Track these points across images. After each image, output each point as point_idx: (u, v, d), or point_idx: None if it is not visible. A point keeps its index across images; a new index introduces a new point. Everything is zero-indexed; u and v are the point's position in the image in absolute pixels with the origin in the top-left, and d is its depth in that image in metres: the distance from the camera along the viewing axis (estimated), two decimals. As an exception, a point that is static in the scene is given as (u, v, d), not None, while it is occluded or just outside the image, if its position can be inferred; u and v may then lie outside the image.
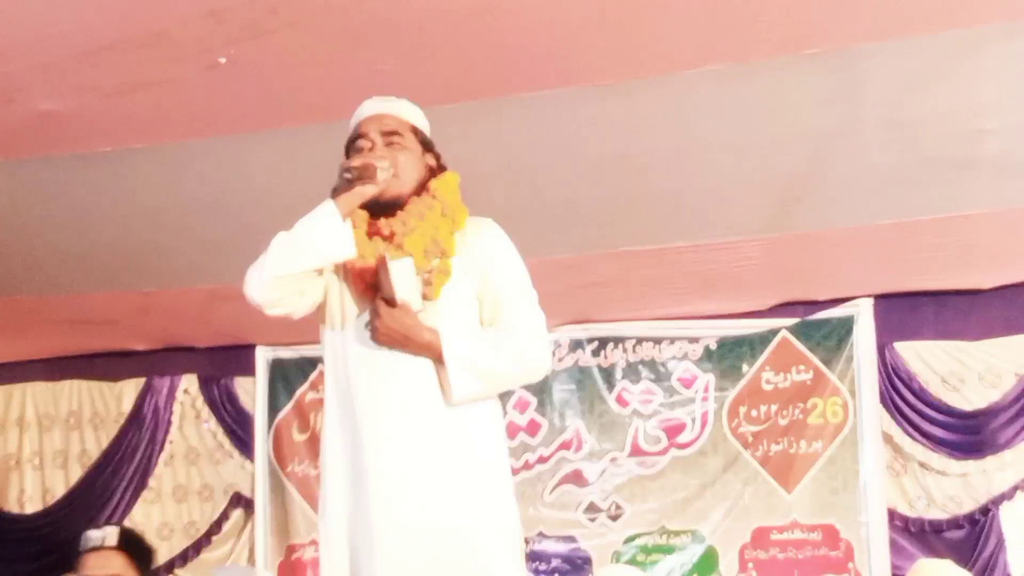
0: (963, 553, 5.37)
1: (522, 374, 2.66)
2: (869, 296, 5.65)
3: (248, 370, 6.33)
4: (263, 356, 6.31)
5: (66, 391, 6.56)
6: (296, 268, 2.56)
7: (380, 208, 2.63)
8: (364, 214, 2.64)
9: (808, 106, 3.96)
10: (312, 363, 6.23)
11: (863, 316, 5.64)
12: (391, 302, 2.53)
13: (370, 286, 2.59)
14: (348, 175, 2.55)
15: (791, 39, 3.55)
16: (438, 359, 2.54)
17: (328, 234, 2.54)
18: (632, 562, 5.74)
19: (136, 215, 4.72)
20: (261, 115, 4.00)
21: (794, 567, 5.56)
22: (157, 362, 6.50)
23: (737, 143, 4.21)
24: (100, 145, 4.19)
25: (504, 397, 5.94)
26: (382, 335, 2.54)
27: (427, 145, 2.74)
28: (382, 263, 2.53)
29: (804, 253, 5.15)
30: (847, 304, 5.68)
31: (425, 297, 2.58)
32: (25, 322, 5.88)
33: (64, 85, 3.71)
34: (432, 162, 2.74)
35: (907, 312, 5.66)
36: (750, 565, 5.62)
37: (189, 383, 6.43)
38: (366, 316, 2.58)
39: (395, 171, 2.61)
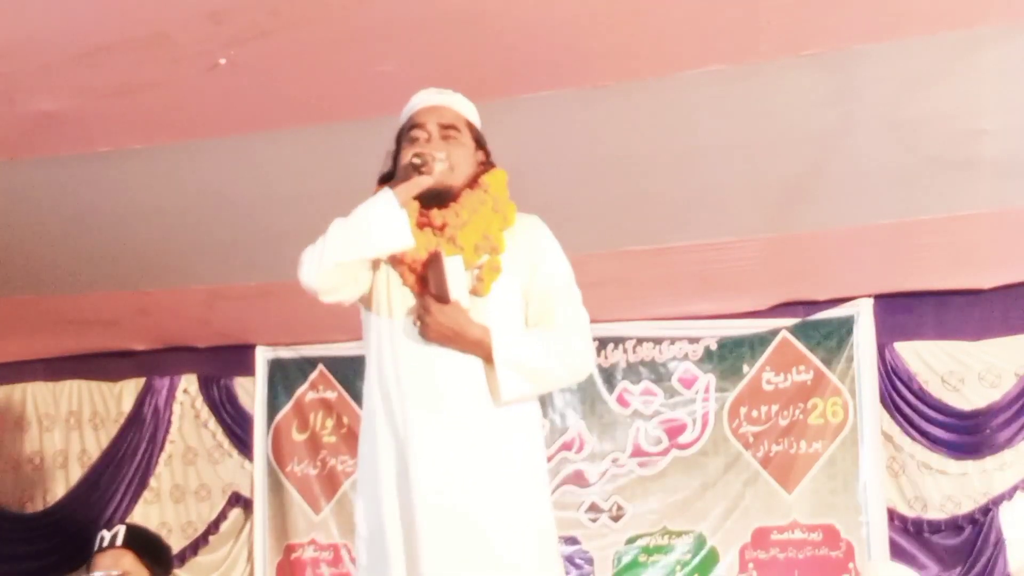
0: (962, 553, 5.37)
1: (569, 374, 2.66)
2: (869, 296, 5.64)
3: (248, 370, 6.33)
4: (263, 356, 6.31)
5: (66, 391, 6.56)
6: (355, 256, 2.54)
7: (430, 199, 2.61)
8: (415, 204, 2.62)
9: (808, 106, 3.96)
10: (312, 363, 6.24)
11: (863, 316, 5.64)
12: (443, 298, 2.52)
13: (420, 278, 2.58)
14: (416, 160, 2.53)
15: (791, 40, 3.55)
16: (487, 357, 2.54)
17: (388, 224, 2.52)
18: (633, 563, 5.75)
19: (136, 215, 4.72)
20: (261, 116, 4.00)
21: (794, 567, 5.55)
22: (157, 362, 6.49)
23: (737, 143, 4.21)
24: (100, 145, 4.19)
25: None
26: (432, 331, 2.53)
27: (479, 142, 2.75)
28: (436, 258, 2.52)
29: (804, 253, 5.14)
30: (847, 304, 5.68)
31: (475, 293, 2.57)
32: (25, 322, 5.88)
33: (64, 85, 3.71)
34: (483, 158, 2.74)
35: (907, 312, 5.66)
36: (750, 565, 5.62)
37: (189, 383, 6.43)
38: (415, 308, 2.57)
39: (450, 164, 2.60)
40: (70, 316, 5.80)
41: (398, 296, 2.62)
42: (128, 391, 6.49)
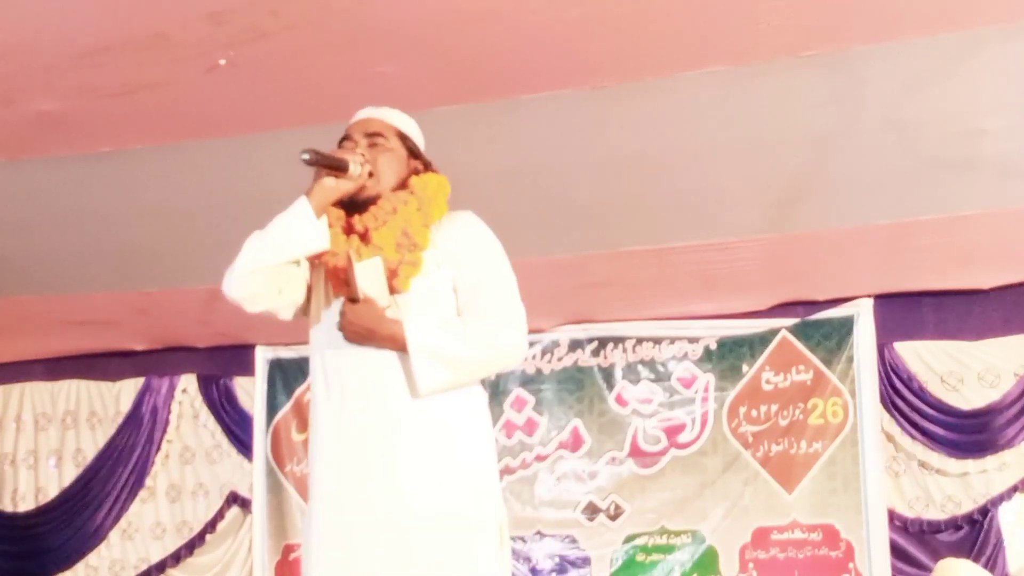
0: (962, 553, 5.37)
1: (494, 360, 2.63)
2: (869, 296, 5.65)
3: (247, 370, 6.33)
4: (262, 356, 6.31)
5: (64, 391, 6.56)
6: (268, 261, 2.59)
7: (357, 207, 2.64)
8: (340, 212, 2.65)
9: (808, 107, 3.97)
10: (312, 363, 6.24)
11: (863, 316, 5.64)
12: (354, 299, 2.54)
13: (342, 283, 2.60)
14: (304, 156, 2.53)
15: (791, 41, 3.56)
16: (404, 349, 2.53)
17: (299, 226, 2.57)
18: (631, 562, 5.75)
19: (136, 215, 4.73)
20: (261, 117, 4.00)
21: (794, 567, 5.56)
22: (156, 362, 6.50)
23: (737, 143, 4.21)
24: (100, 145, 4.20)
25: (502, 396, 5.97)
26: (348, 332, 2.55)
27: (414, 152, 2.75)
28: (348, 262, 2.54)
29: (804, 253, 5.15)
30: (847, 304, 5.68)
31: (393, 291, 2.57)
32: (25, 322, 5.89)
33: (64, 85, 3.71)
34: (419, 167, 2.74)
35: (907, 312, 5.67)
36: (750, 565, 5.62)
37: (188, 383, 6.44)
38: (337, 314, 2.60)
39: (372, 169, 2.62)
40: (70, 316, 5.80)
41: (325, 304, 2.67)
42: (126, 391, 6.49)
